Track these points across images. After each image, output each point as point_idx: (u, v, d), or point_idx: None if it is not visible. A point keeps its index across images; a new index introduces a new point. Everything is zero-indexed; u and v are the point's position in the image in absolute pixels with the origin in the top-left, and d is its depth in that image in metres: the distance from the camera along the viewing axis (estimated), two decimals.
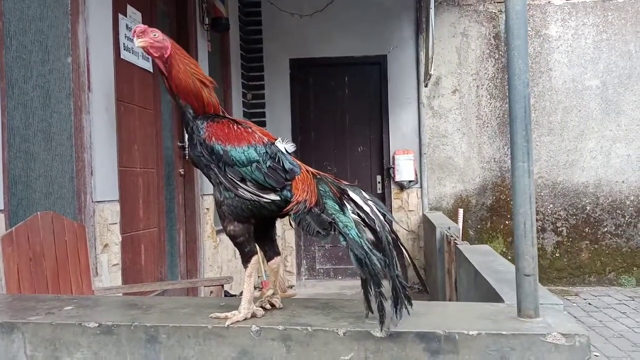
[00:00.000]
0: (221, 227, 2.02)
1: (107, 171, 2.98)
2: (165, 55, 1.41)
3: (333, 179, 1.48)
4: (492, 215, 5.90)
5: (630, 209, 5.69)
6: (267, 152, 1.43)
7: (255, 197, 1.41)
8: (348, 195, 1.42)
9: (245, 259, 1.46)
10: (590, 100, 5.77)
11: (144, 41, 1.40)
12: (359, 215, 1.38)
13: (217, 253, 4.80)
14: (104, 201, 2.90)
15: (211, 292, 2.44)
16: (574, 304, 4.96)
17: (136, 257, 3.48)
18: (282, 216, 1.49)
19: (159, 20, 4.01)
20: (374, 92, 6.14)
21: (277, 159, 1.44)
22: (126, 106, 3.42)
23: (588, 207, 5.76)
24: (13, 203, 2.23)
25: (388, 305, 1.27)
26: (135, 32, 1.42)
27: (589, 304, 4.97)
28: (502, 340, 1.23)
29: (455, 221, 5.56)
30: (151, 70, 3.79)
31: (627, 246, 5.69)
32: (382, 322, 1.25)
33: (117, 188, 3.10)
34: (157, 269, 3.84)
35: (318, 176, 1.49)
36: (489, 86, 5.95)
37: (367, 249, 1.32)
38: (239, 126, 1.46)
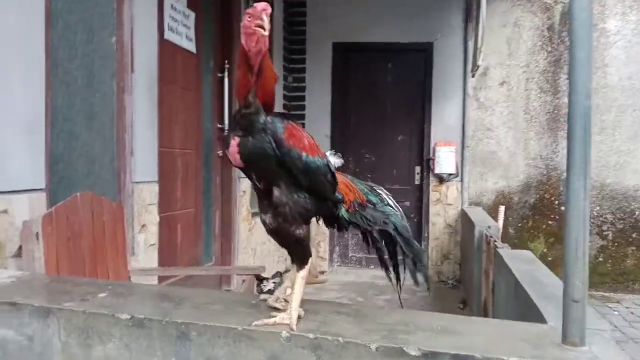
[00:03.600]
0: (257, 210, 1.96)
1: (147, 152, 3.01)
2: (265, 48, 1.27)
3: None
4: (534, 214, 5.71)
5: None
6: (328, 165, 1.45)
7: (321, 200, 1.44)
8: (376, 190, 1.59)
9: (305, 262, 1.43)
10: None
11: (268, 28, 1.24)
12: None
13: (252, 235, 4.82)
14: (143, 182, 2.94)
15: (243, 280, 2.43)
16: (615, 312, 4.77)
17: (172, 237, 3.52)
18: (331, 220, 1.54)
19: (203, 0, 3.99)
20: (417, 80, 5.99)
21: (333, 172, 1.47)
22: (168, 87, 3.43)
23: (637, 212, 5.49)
24: (54, 182, 2.27)
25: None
26: (266, 10, 1.23)
27: (632, 312, 4.78)
28: None
29: (495, 218, 5.41)
30: (194, 52, 3.78)
31: None
32: (428, 288, 1.56)
33: (157, 169, 3.13)
34: (192, 249, 3.89)
35: (348, 176, 1.58)
36: (540, 79, 5.70)
37: (410, 232, 1.52)
38: (308, 134, 1.42)
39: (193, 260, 3.88)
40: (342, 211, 1.48)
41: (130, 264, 2.63)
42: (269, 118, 1.34)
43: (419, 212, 5.98)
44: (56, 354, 1.47)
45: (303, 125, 6.04)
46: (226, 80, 4.41)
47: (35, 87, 2.12)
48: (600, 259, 5.56)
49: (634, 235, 5.50)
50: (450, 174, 5.74)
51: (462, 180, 5.75)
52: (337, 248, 6.18)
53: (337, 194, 1.47)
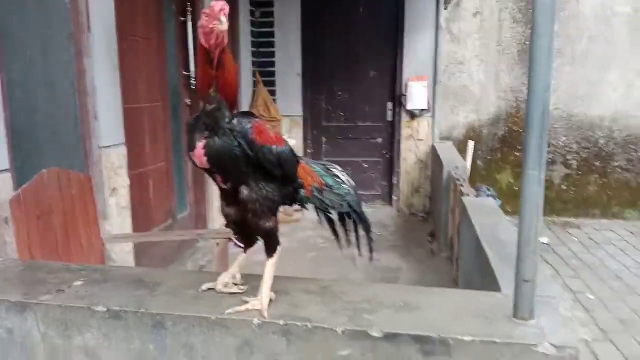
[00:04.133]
0: None
1: (112, 115, 2.94)
2: (223, 45, 1.26)
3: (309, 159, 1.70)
4: (502, 146, 5.84)
5: None
6: (292, 151, 1.50)
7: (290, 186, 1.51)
8: (331, 170, 1.66)
9: (274, 250, 1.49)
10: (618, 28, 5.45)
11: (226, 24, 1.23)
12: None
13: None
14: (110, 146, 2.90)
15: (217, 243, 2.49)
16: (575, 239, 5.05)
17: (144, 194, 3.53)
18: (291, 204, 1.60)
19: None
20: (389, 12, 5.82)
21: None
22: (128, 40, 3.29)
23: (601, 141, 5.66)
24: (19, 159, 2.23)
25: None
26: (224, 10, 1.22)
27: (590, 238, 5.06)
28: (493, 348, 1.27)
29: (465, 153, 5.52)
30: None
31: (636, 181, 5.67)
32: (371, 256, 1.69)
33: (123, 130, 3.07)
34: (166, 202, 3.92)
35: (304, 159, 1.63)
36: (512, 9, 5.61)
37: (362, 208, 1.66)
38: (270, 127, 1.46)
39: (167, 213, 3.92)
40: (302, 195, 1.55)
41: (103, 230, 2.66)
42: (235, 120, 1.34)
43: (390, 148, 6.04)
44: (37, 345, 1.53)
45: (273, 63, 5.92)
46: (189, 23, 4.24)
47: None
48: (564, 187, 5.79)
49: (596, 164, 5.71)
50: (422, 110, 5.75)
51: (433, 116, 5.78)
52: None
53: (298, 182, 1.52)
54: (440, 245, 4.51)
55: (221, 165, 1.38)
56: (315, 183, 1.58)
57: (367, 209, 5.83)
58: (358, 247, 1.67)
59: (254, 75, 5.83)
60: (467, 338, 1.28)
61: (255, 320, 1.39)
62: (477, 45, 5.69)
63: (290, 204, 1.58)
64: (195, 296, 1.54)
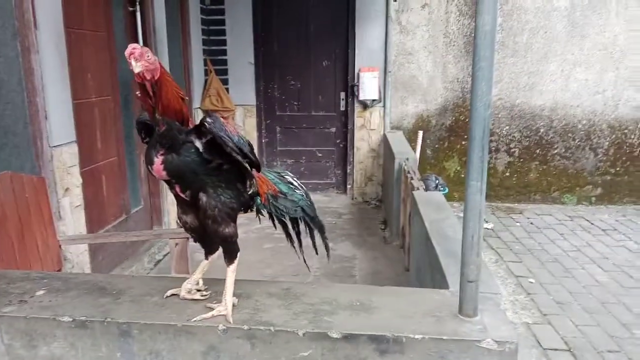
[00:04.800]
0: None
1: (62, 112, 2.88)
2: (156, 77, 1.33)
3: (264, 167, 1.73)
4: (450, 135, 6.06)
5: (581, 132, 5.95)
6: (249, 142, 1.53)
7: (247, 194, 1.56)
8: (284, 177, 1.73)
9: (234, 257, 1.56)
10: (557, 21, 5.73)
11: (141, 65, 1.30)
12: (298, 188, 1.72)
13: None
14: (61, 144, 2.84)
15: (176, 243, 2.52)
16: (518, 224, 5.34)
17: (98, 191, 3.49)
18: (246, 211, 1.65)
19: None
20: (340, 2, 5.87)
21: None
22: (76, 33, 3.21)
23: (542, 130, 5.98)
24: None
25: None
26: (133, 54, 1.29)
27: (531, 223, 5.37)
28: (442, 344, 1.39)
29: (415, 142, 5.71)
30: None
31: (574, 168, 6.03)
32: (328, 256, 1.76)
33: (74, 128, 3.02)
34: (120, 197, 3.87)
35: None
36: (459, 2, 5.78)
37: (316, 212, 1.74)
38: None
39: (122, 208, 3.88)
40: (258, 202, 1.63)
41: (59, 231, 2.63)
42: (208, 118, 1.39)
43: (344, 137, 6.15)
44: (1, 357, 1.54)
45: (224, 52, 5.87)
46: (138, 14, 4.15)
47: None
48: (507, 174, 6.10)
49: (537, 151, 6.03)
50: (373, 100, 5.88)
51: (384, 106, 5.92)
52: None
53: (253, 187, 1.58)
54: (392, 233, 4.69)
55: (180, 177, 1.44)
56: (270, 191, 1.66)
57: (323, 198, 5.95)
58: (314, 246, 1.75)
59: (205, 63, 5.76)
60: (418, 336, 1.40)
61: (221, 326, 1.46)
62: (426, 37, 5.85)
63: (247, 211, 1.65)
64: (159, 303, 1.59)
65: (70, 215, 2.91)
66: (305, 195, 1.73)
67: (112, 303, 1.59)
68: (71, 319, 1.49)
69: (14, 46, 2.51)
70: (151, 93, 1.35)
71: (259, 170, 1.58)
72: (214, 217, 1.48)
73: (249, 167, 1.51)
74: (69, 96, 2.97)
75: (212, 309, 1.52)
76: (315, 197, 6.19)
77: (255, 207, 1.64)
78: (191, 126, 1.45)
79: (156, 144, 1.40)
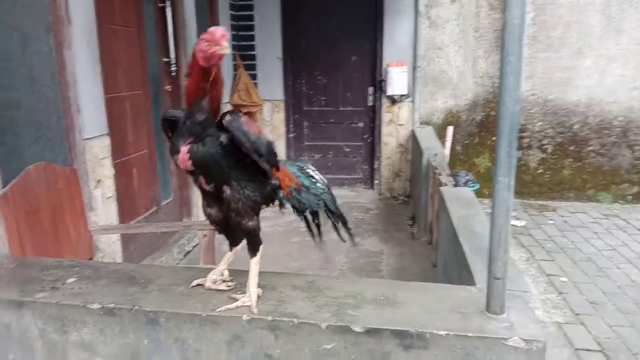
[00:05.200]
0: None
1: (94, 106, 2.95)
2: (220, 62, 1.36)
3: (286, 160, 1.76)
4: (480, 131, 5.95)
5: (617, 129, 5.76)
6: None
7: (270, 187, 1.56)
8: (306, 170, 1.72)
9: (257, 249, 1.57)
10: (592, 15, 5.56)
11: (229, 48, 1.32)
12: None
13: None
14: (94, 137, 2.91)
15: (204, 235, 2.55)
16: (550, 222, 5.22)
17: (129, 183, 3.56)
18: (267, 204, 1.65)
19: None
20: None
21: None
22: (108, 29, 3.27)
23: (576, 126, 5.82)
24: (2, 155, 2.24)
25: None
26: (226, 36, 1.31)
27: (565, 221, 5.24)
28: (467, 341, 1.37)
29: (444, 137, 5.64)
30: None
31: (609, 165, 5.86)
32: (354, 241, 1.77)
33: (106, 121, 3.08)
34: (150, 189, 3.95)
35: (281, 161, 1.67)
36: None
37: (337, 205, 1.72)
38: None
39: (152, 201, 3.95)
40: (281, 196, 1.62)
41: (90, 221, 2.70)
42: (227, 116, 1.41)
43: (372, 132, 6.12)
44: (35, 340, 1.59)
45: (253, 47, 5.91)
46: (168, 9, 4.21)
47: None
48: (540, 171, 5.96)
49: (571, 148, 5.88)
50: (402, 95, 5.82)
51: (413, 101, 5.85)
52: None
53: (274, 180, 1.58)
54: (420, 229, 4.64)
55: (205, 168, 1.45)
56: (293, 184, 1.65)
57: (349, 193, 5.93)
58: (340, 237, 1.75)
59: (234, 59, 5.81)
60: (442, 332, 1.38)
61: (245, 317, 1.47)
62: (456, 31, 5.75)
63: (269, 205, 1.65)
64: (185, 293, 1.62)
65: (102, 206, 2.98)
66: (327, 188, 1.73)
67: (141, 292, 1.62)
68: (100, 306, 1.53)
69: (47, 41, 2.57)
70: (212, 79, 1.36)
71: (277, 170, 1.57)
72: (238, 210, 1.49)
73: (266, 167, 1.50)
74: (101, 90, 3.03)
75: (236, 299, 1.54)
76: (342, 192, 6.22)
77: (278, 201, 1.64)
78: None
79: (185, 133, 1.40)
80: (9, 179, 2.13)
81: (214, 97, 1.39)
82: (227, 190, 1.48)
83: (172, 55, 4.25)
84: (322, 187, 1.71)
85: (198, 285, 1.66)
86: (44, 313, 1.56)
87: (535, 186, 5.96)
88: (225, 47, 1.31)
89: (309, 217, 1.71)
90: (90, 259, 2.58)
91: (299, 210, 1.70)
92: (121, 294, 1.61)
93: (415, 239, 4.58)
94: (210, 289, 1.63)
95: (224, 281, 1.65)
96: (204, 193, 1.54)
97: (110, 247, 3.05)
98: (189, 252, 4.22)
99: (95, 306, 1.53)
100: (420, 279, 3.55)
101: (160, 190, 4.13)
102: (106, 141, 3.05)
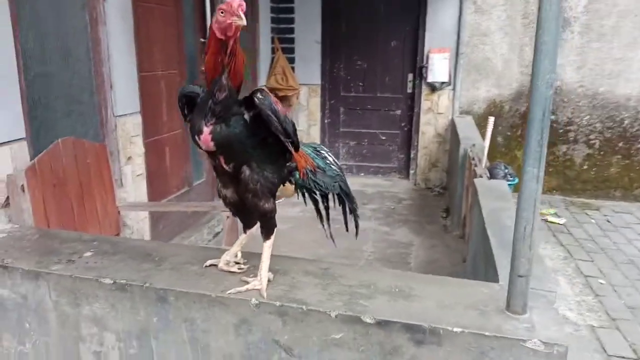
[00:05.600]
0: None
1: (128, 83, 2.97)
2: (238, 34, 1.30)
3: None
4: (524, 122, 5.71)
5: None
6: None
7: (288, 169, 1.53)
8: (320, 152, 1.68)
9: (271, 232, 1.53)
10: None
11: (245, 20, 1.26)
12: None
13: None
14: (125, 114, 2.94)
15: (228, 216, 2.54)
16: (593, 221, 4.98)
17: (161, 162, 3.59)
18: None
19: None
20: None
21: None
22: (144, 7, 3.28)
23: (626, 121, 5.51)
24: (35, 127, 2.28)
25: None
26: (242, 6, 1.25)
27: (608, 221, 4.99)
28: (483, 340, 1.29)
29: (485, 129, 5.43)
30: None
31: None
32: (357, 232, 1.69)
33: (138, 99, 3.10)
34: (182, 169, 3.98)
35: None
36: None
37: (349, 186, 1.69)
38: None
39: (184, 181, 3.98)
40: (297, 178, 1.58)
41: (119, 197, 2.73)
42: (258, 94, 1.36)
43: (409, 120, 5.98)
44: (49, 311, 1.61)
45: (292, 30, 5.86)
46: None
47: (1, 33, 2.05)
48: (585, 167, 5.69)
49: (620, 144, 5.57)
50: (442, 83, 5.65)
51: (454, 89, 5.68)
52: None
53: (291, 162, 1.54)
54: (454, 222, 4.52)
55: (228, 149, 1.40)
56: (309, 166, 1.61)
57: (383, 182, 5.86)
58: (346, 224, 1.71)
59: (272, 41, 5.77)
60: (457, 329, 1.31)
61: (253, 300, 1.44)
62: (503, 17, 5.52)
63: (284, 184, 1.61)
64: (198, 273, 1.60)
65: (132, 183, 3.01)
66: (340, 171, 1.68)
67: (154, 269, 1.61)
68: (112, 282, 1.53)
69: (82, 17, 2.60)
70: (229, 51, 1.30)
71: (297, 151, 1.53)
72: (255, 191, 1.45)
73: (291, 148, 1.46)
74: (134, 68, 3.05)
75: (247, 282, 1.50)
76: (376, 180, 6.13)
77: (294, 183, 1.60)
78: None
79: (208, 113, 1.36)
80: (39, 151, 2.17)
81: (233, 72, 1.33)
82: (246, 171, 1.44)
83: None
84: (336, 169, 1.66)
85: (212, 265, 1.64)
86: (58, 285, 1.58)
87: (579, 183, 5.70)
88: (242, 18, 1.25)
89: (319, 199, 1.67)
90: (117, 234, 2.62)
91: (314, 192, 1.66)
92: (135, 270, 1.61)
93: (448, 232, 4.46)
94: (223, 270, 1.60)
95: (236, 263, 1.63)
96: (220, 173, 1.51)
97: (138, 224, 3.09)
98: (217, 233, 4.25)
99: (108, 281, 1.53)
100: (448, 273, 3.45)
101: (193, 170, 4.16)
102: (138, 119, 3.08)
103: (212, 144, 1.38)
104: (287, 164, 1.53)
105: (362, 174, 6.12)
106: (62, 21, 2.47)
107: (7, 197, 2.04)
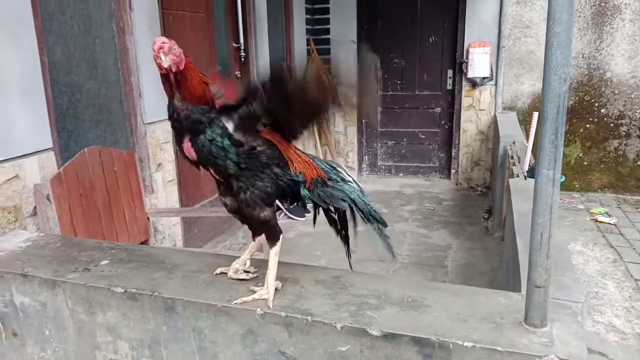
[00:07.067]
0: None
1: (156, 90, 3.00)
2: (181, 68, 1.33)
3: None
4: (572, 117, 5.44)
5: None
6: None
7: (287, 178, 1.47)
8: (335, 168, 1.61)
9: (276, 239, 1.50)
10: None
11: (170, 60, 1.29)
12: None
13: None
14: (155, 122, 2.99)
15: None
16: None
17: (192, 167, 3.63)
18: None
19: None
20: None
21: None
22: (175, 14, 3.33)
23: None
24: (63, 137, 2.35)
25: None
26: (163, 49, 1.28)
27: None
28: (495, 356, 1.21)
29: (529, 125, 5.21)
30: None
31: None
32: (392, 254, 1.60)
33: None
34: None
35: (309, 155, 1.58)
36: None
37: (370, 208, 1.56)
38: None
39: None
40: (304, 191, 1.51)
41: (149, 204, 2.78)
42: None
43: (450, 118, 5.81)
44: (66, 319, 1.65)
45: (327, 30, 5.81)
46: None
47: (26, 46, 2.12)
48: (639, 163, 5.34)
49: None
50: (484, 78, 5.46)
51: (496, 84, 5.48)
52: (366, 157, 6.19)
53: (298, 175, 1.48)
54: (495, 224, 4.35)
55: (209, 157, 1.39)
56: (320, 176, 1.53)
57: (424, 182, 5.70)
58: (349, 256, 1.65)
59: (307, 43, 5.75)
60: (468, 344, 1.23)
61: (259, 311, 1.41)
62: (546, 7, 5.25)
63: (291, 203, 1.56)
64: (207, 281, 1.58)
65: (163, 189, 3.06)
66: (358, 190, 1.59)
67: (165, 277, 1.61)
68: (123, 290, 1.54)
69: (110, 27, 2.66)
70: (173, 82, 1.34)
71: (294, 137, 1.47)
72: (247, 201, 1.43)
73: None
74: None
75: (254, 291, 1.48)
76: (416, 181, 5.99)
77: (300, 197, 1.53)
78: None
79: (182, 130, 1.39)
80: (67, 160, 2.23)
81: (188, 93, 1.35)
82: (233, 180, 1.42)
83: (242, 40, 4.28)
84: (352, 185, 1.58)
85: (222, 273, 1.62)
86: (74, 293, 1.61)
87: (632, 180, 5.36)
88: (162, 60, 1.28)
89: (333, 214, 1.59)
90: (146, 240, 2.66)
91: (323, 208, 1.57)
92: (146, 278, 1.61)
93: (489, 234, 4.29)
94: (232, 279, 1.59)
95: (245, 271, 1.60)
96: (217, 182, 1.50)
97: (170, 230, 3.14)
98: None
99: (119, 290, 1.55)
100: (486, 278, 3.32)
101: None
102: (168, 126, 3.12)
103: (194, 154, 1.39)
104: (287, 172, 1.48)
105: (401, 174, 6.00)
106: (89, 32, 2.53)
107: (35, 207, 2.11)
